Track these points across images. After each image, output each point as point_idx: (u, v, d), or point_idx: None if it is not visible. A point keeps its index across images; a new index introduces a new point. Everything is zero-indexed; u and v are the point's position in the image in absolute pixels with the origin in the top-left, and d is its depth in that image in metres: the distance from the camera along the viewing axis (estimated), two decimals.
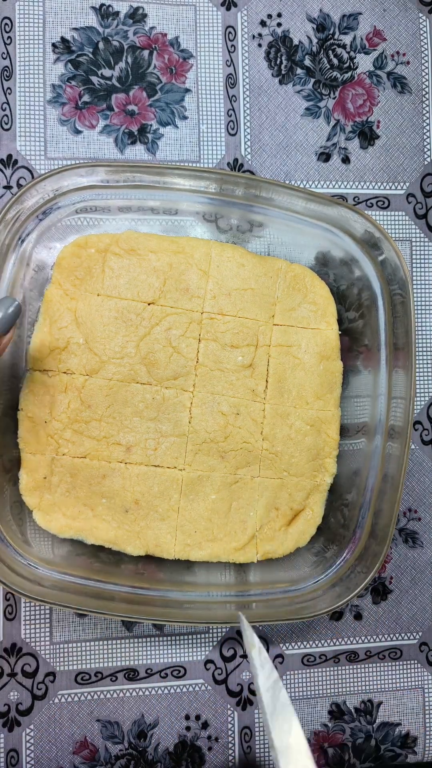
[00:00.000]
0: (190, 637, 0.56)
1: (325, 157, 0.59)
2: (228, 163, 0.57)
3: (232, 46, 0.58)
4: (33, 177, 0.55)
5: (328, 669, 0.58)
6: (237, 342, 0.52)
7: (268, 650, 0.57)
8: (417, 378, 0.59)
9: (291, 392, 0.53)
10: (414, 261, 0.60)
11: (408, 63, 0.60)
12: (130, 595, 0.50)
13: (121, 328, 0.51)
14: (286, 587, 0.52)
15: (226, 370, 0.52)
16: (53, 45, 0.55)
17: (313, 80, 0.59)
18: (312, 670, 0.58)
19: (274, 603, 0.51)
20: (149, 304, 0.51)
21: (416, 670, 0.59)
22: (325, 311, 0.54)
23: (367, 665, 0.59)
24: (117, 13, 0.56)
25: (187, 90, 0.57)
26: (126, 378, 0.51)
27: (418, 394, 0.59)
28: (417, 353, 0.60)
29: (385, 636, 0.59)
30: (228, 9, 0.58)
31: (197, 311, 0.52)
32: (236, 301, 0.52)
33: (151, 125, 0.56)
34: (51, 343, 0.50)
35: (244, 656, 0.56)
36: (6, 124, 0.54)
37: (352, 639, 0.58)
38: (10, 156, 0.54)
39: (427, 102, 0.60)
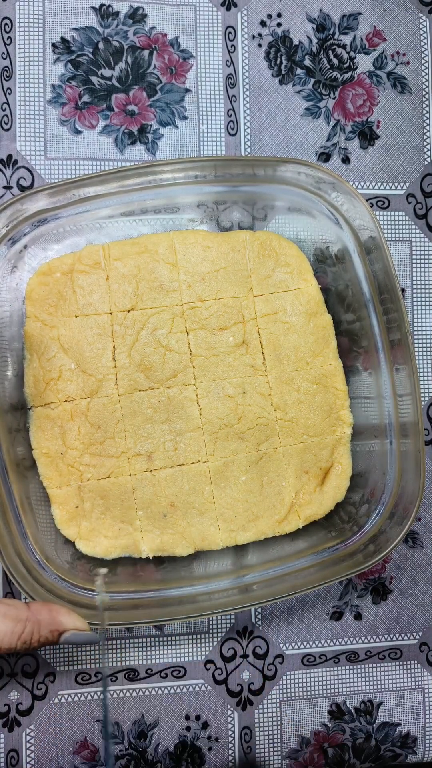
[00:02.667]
0: (190, 637, 0.56)
1: (325, 157, 0.59)
2: None
3: (232, 46, 0.58)
4: (33, 177, 0.55)
5: (328, 669, 0.58)
6: (224, 323, 0.52)
7: (268, 652, 0.57)
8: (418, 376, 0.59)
9: (289, 357, 0.53)
10: (414, 261, 0.60)
11: (408, 63, 0.60)
12: (159, 599, 0.50)
13: (108, 343, 0.50)
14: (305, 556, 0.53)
15: (222, 354, 0.52)
16: (53, 45, 0.55)
17: (313, 80, 0.59)
18: (312, 670, 0.58)
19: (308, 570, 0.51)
20: (129, 312, 0.51)
21: (416, 670, 0.59)
22: (300, 269, 0.54)
23: (367, 665, 0.59)
24: (117, 13, 0.56)
25: (187, 90, 0.57)
26: (127, 389, 0.51)
27: None
28: (417, 353, 0.60)
29: (385, 636, 0.59)
30: (228, 9, 0.58)
31: (177, 305, 0.51)
32: (212, 284, 0.52)
33: (151, 125, 0.56)
34: (44, 376, 0.50)
35: (245, 656, 0.56)
36: (6, 124, 0.54)
37: (352, 639, 0.58)
38: (10, 156, 0.54)
39: (427, 102, 0.60)
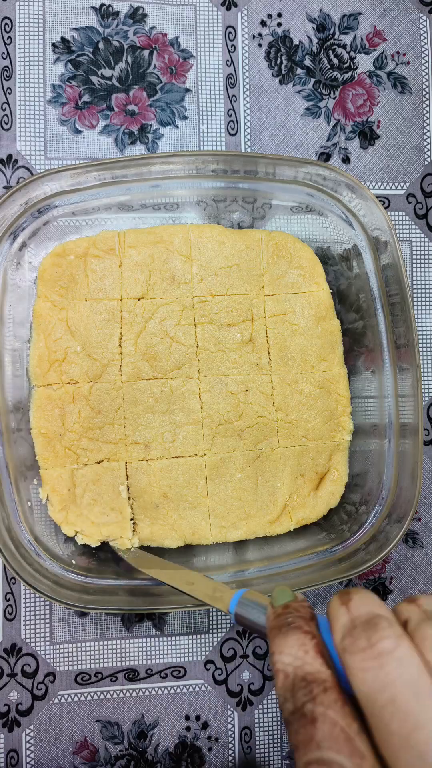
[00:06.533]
0: (190, 637, 0.56)
1: (325, 157, 0.59)
2: None
3: (232, 46, 0.58)
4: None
5: None
6: (232, 320, 0.52)
7: (268, 652, 0.57)
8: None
9: (295, 359, 0.53)
10: (414, 261, 0.60)
11: (408, 63, 0.60)
12: (148, 587, 0.50)
13: (116, 329, 0.51)
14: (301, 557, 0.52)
15: (228, 350, 0.52)
16: (53, 45, 0.55)
17: (313, 80, 0.59)
18: None
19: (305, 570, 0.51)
20: (139, 300, 0.51)
21: None
22: (313, 273, 0.54)
23: None
24: (117, 13, 0.56)
25: (187, 90, 0.57)
26: (130, 377, 0.51)
27: None
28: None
29: None
30: (228, 9, 0.58)
31: (188, 297, 0.52)
32: (224, 279, 0.52)
33: (151, 125, 0.56)
34: (49, 356, 0.50)
35: (245, 656, 0.56)
36: (6, 124, 0.54)
37: None
38: (10, 156, 0.54)
39: (427, 102, 0.60)
